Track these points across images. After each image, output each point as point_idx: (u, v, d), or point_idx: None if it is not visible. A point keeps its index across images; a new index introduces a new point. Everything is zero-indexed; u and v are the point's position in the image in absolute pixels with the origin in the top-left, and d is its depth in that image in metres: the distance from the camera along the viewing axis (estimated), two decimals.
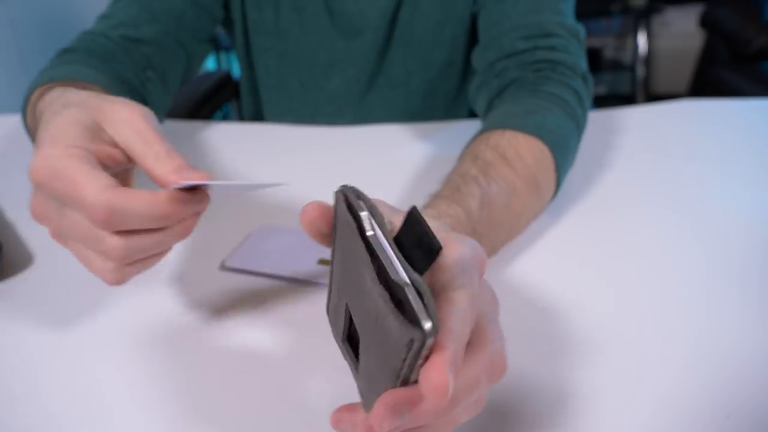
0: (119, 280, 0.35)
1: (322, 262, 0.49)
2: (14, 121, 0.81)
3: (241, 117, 0.93)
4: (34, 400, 0.39)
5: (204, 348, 0.43)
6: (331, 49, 0.79)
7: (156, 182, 0.35)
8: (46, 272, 0.52)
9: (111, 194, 0.32)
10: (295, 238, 0.53)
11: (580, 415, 0.36)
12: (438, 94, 0.82)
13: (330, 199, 0.53)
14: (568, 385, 0.38)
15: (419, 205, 0.47)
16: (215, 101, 1.50)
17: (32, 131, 0.57)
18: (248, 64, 0.85)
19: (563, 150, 0.55)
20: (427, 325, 0.24)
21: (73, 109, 0.36)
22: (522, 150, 0.52)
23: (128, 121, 0.36)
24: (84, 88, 0.50)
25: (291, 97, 0.84)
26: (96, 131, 0.36)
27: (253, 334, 0.44)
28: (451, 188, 0.47)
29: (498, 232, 0.49)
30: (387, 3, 0.74)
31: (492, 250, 0.49)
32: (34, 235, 0.57)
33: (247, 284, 0.49)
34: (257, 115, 0.90)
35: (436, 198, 0.47)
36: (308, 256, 0.50)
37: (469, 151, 0.53)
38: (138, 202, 0.33)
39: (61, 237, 0.36)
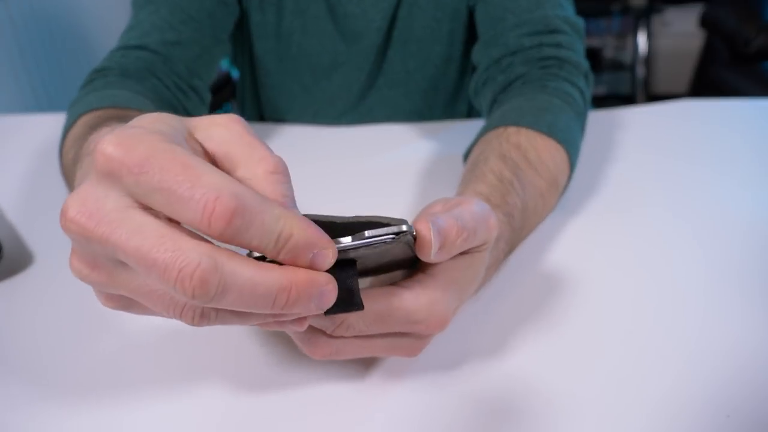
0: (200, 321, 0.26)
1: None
2: (14, 121, 0.81)
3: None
4: (35, 399, 0.39)
5: (204, 346, 0.43)
6: (333, 52, 0.79)
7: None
8: (46, 272, 0.52)
9: (242, 188, 0.24)
10: None
11: (580, 414, 0.36)
12: (438, 92, 0.82)
13: (330, 196, 0.54)
14: (568, 385, 0.38)
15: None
16: (215, 101, 1.50)
17: (69, 167, 0.48)
18: (250, 66, 0.85)
19: (575, 148, 0.56)
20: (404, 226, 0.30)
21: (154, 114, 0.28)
22: (541, 151, 0.52)
23: (225, 125, 0.28)
24: (126, 116, 0.49)
25: (292, 99, 0.84)
26: (183, 135, 0.27)
27: (252, 330, 0.44)
28: (499, 195, 0.46)
29: (522, 236, 0.50)
30: (387, 4, 0.74)
31: (511, 251, 0.49)
32: (34, 235, 0.57)
33: None
34: (258, 117, 0.90)
35: (489, 205, 0.45)
36: None
37: (491, 147, 0.52)
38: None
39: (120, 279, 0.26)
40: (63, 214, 0.25)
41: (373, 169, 0.66)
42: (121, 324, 0.45)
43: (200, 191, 0.23)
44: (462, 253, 0.35)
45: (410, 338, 0.35)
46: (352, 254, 0.28)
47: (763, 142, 0.68)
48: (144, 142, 0.24)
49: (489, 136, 0.55)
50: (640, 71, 2.67)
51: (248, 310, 0.25)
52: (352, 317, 0.32)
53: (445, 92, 0.82)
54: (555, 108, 0.56)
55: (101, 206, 0.25)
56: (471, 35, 0.77)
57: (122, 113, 0.52)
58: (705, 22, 2.25)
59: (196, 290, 0.23)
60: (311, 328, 0.33)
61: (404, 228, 0.30)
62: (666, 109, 0.77)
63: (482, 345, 0.42)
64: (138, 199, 0.25)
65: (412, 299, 0.33)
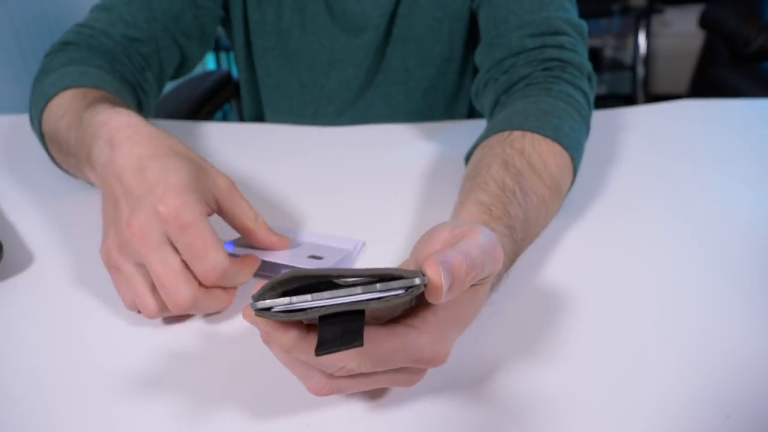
0: (157, 315, 0.43)
1: (311, 257, 0.50)
2: (15, 120, 0.81)
3: (242, 117, 0.93)
4: (34, 399, 0.39)
5: (202, 343, 0.43)
6: (331, 49, 0.79)
7: (252, 240, 0.47)
8: (46, 272, 0.52)
9: (228, 262, 0.42)
10: (289, 237, 0.53)
11: (580, 415, 0.36)
12: (437, 91, 0.82)
13: (330, 197, 0.53)
14: (568, 385, 0.38)
15: (451, 203, 0.51)
16: (215, 101, 1.50)
17: (50, 136, 0.58)
18: (249, 64, 0.85)
19: (579, 153, 0.55)
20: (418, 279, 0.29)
21: (173, 156, 0.43)
22: (546, 157, 0.52)
23: (227, 186, 0.45)
24: (103, 97, 0.55)
25: (291, 97, 0.84)
26: (200, 180, 0.43)
27: (248, 330, 0.43)
28: (501, 205, 0.46)
29: (522, 247, 0.49)
30: (387, 1, 0.74)
31: (511, 265, 0.48)
32: (34, 235, 0.57)
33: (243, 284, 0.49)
34: (258, 116, 0.90)
35: (490, 216, 0.45)
36: (299, 253, 0.50)
37: (494, 153, 0.52)
38: (244, 269, 0.45)
39: (122, 258, 0.42)
40: (128, 226, 0.41)
41: (374, 169, 0.66)
42: (120, 324, 0.45)
43: (207, 262, 0.41)
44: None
45: (410, 371, 0.35)
46: (363, 306, 0.28)
47: (763, 142, 0.68)
48: (191, 212, 0.41)
49: (492, 140, 0.54)
50: (640, 71, 2.67)
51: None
52: (354, 362, 0.31)
53: (445, 92, 0.82)
54: (560, 111, 0.55)
55: (148, 233, 0.41)
56: (472, 37, 0.77)
57: (108, 96, 0.56)
58: (705, 22, 2.25)
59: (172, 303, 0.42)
60: (311, 367, 0.33)
61: (417, 281, 0.29)
62: (666, 109, 0.77)
63: (482, 346, 0.42)
64: (171, 239, 0.41)
65: (416, 339, 0.32)
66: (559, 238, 0.53)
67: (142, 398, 0.39)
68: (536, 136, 0.53)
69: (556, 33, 0.62)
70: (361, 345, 0.28)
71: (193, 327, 0.45)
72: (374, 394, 0.38)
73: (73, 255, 0.53)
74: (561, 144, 0.53)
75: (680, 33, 2.65)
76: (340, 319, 0.28)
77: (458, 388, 0.38)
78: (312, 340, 0.31)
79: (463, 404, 0.37)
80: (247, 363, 0.41)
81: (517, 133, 0.53)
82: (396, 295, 0.28)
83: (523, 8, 0.64)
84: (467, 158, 0.57)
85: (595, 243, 0.52)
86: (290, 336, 0.31)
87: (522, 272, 0.49)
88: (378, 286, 0.28)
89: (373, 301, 0.28)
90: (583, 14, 0.66)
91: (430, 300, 0.31)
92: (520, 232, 0.46)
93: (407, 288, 0.29)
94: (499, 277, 0.44)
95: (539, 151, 0.52)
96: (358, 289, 0.28)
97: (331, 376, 0.33)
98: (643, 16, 2.65)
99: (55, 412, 0.38)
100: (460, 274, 0.31)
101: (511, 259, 0.45)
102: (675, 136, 0.71)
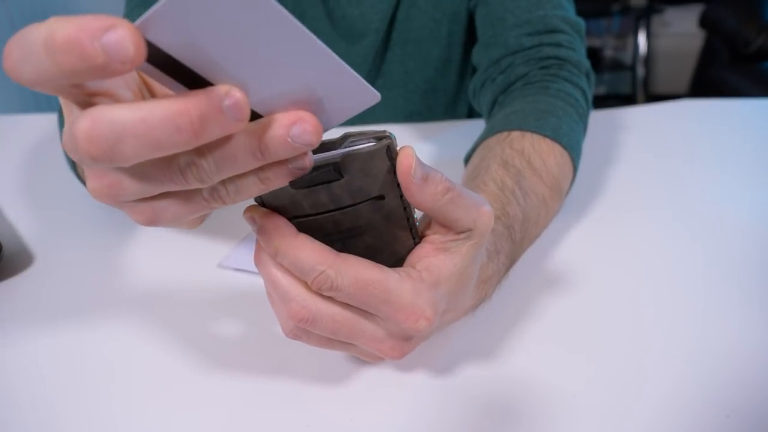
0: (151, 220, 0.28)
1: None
2: (14, 121, 0.81)
3: None
4: (35, 400, 0.39)
5: (201, 344, 0.43)
6: None
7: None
8: (46, 272, 0.52)
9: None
10: None
11: (580, 415, 0.36)
12: (437, 93, 0.82)
13: None
14: (568, 385, 0.38)
15: None
16: None
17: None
18: None
19: (578, 152, 0.55)
20: (386, 134, 0.30)
21: None
22: (546, 157, 0.52)
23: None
24: None
25: None
26: None
27: (248, 330, 0.44)
28: (499, 205, 0.45)
29: (522, 247, 0.49)
30: (386, 5, 0.74)
31: (512, 265, 0.47)
32: (34, 235, 0.57)
33: (243, 283, 0.49)
34: None
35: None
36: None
37: (493, 154, 0.51)
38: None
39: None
40: (76, 138, 0.22)
41: None
42: (119, 323, 0.45)
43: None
44: (446, 251, 0.34)
45: (392, 332, 0.34)
46: (338, 158, 0.30)
47: (763, 142, 0.68)
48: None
49: (491, 141, 0.54)
50: (640, 71, 2.68)
51: (163, 152, 0.22)
52: (332, 269, 0.31)
53: (444, 94, 0.82)
54: (558, 111, 0.55)
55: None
56: (471, 38, 0.77)
57: None
58: (705, 22, 2.25)
59: (91, 150, 0.22)
60: (294, 283, 0.33)
61: (387, 133, 0.30)
62: (666, 109, 0.77)
63: (482, 346, 0.42)
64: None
65: (399, 283, 0.32)
66: (558, 238, 0.53)
67: (141, 398, 0.39)
68: (536, 136, 0.53)
69: (554, 31, 0.62)
70: (340, 179, 0.30)
71: (193, 328, 0.45)
72: (373, 393, 0.38)
73: (73, 255, 0.53)
74: (560, 143, 0.53)
75: (680, 33, 2.66)
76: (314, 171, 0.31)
77: (457, 388, 0.38)
78: (300, 239, 0.31)
79: (462, 404, 0.37)
80: (247, 363, 0.41)
81: (516, 134, 0.53)
82: (366, 145, 0.30)
83: (520, 7, 0.64)
84: (466, 159, 0.57)
85: (594, 243, 0.52)
86: (279, 222, 0.31)
87: (522, 273, 0.49)
88: (350, 138, 0.30)
89: (348, 153, 0.30)
90: (583, 14, 0.66)
91: (399, 171, 0.31)
92: (519, 232, 0.46)
93: (379, 139, 0.30)
94: (498, 274, 0.44)
95: (539, 151, 0.52)
96: (338, 151, 0.30)
97: (310, 294, 0.32)
98: (643, 16, 2.65)
99: (56, 412, 0.38)
100: (436, 178, 0.31)
101: (510, 260, 0.45)
102: (675, 136, 0.71)
